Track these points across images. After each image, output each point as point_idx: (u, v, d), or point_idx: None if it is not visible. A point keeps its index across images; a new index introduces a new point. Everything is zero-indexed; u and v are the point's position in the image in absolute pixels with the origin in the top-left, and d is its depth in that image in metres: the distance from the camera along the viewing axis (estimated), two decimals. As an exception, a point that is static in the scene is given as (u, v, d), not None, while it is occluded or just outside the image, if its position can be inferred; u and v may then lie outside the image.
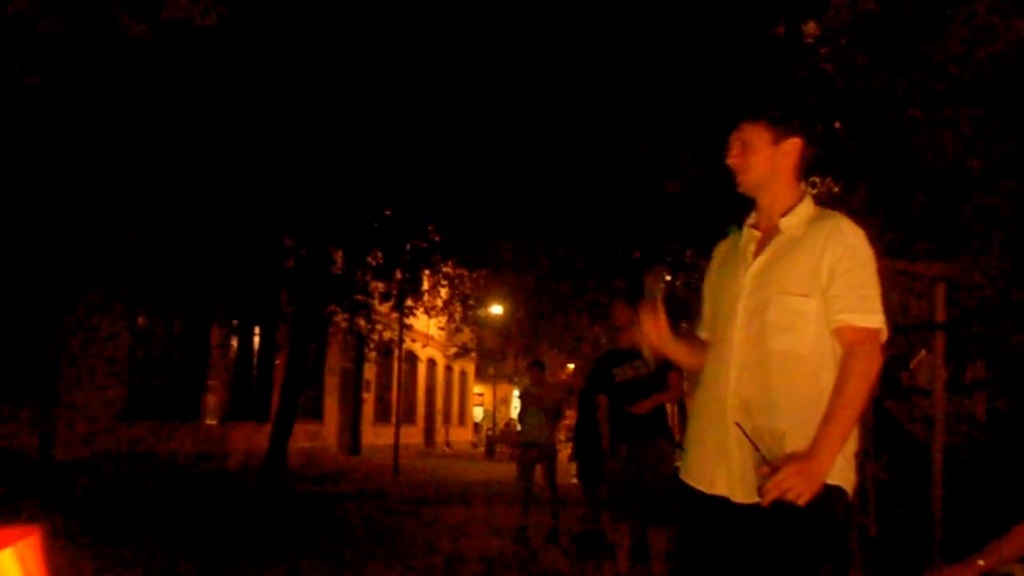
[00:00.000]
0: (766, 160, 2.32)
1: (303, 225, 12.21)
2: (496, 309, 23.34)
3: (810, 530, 2.08)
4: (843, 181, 9.04)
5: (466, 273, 17.77)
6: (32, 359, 10.97)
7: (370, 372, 22.50)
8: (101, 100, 8.11)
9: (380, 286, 14.60)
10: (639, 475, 5.79)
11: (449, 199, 11.40)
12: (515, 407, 31.31)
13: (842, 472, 2.15)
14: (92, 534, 7.00)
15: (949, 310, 4.68)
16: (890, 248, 7.81)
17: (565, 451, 10.99)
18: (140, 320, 13.20)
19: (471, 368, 36.26)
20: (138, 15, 5.99)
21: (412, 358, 27.19)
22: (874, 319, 2.16)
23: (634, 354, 6.08)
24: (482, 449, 30.84)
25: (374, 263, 13.69)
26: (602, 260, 13.98)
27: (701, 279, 2.61)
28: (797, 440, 2.08)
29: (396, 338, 19.49)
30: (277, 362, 16.17)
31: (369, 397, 22.79)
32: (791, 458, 2.03)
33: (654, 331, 2.37)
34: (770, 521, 2.08)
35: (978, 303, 7.09)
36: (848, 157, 8.53)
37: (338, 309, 14.31)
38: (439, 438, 30.80)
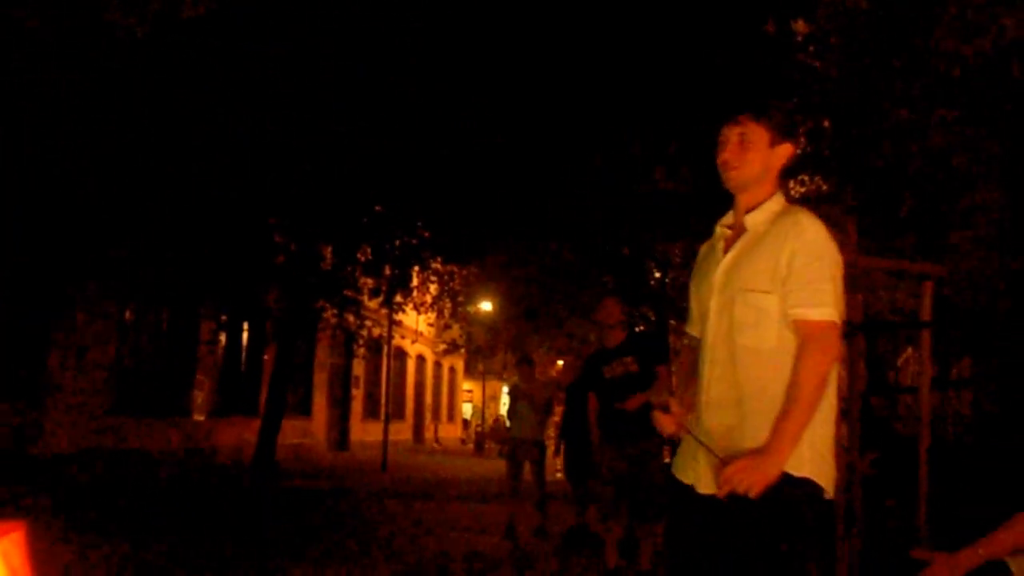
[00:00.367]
0: (762, 160, 2.33)
1: (292, 221, 12.18)
2: (485, 305, 23.33)
3: (778, 521, 2.11)
4: (831, 180, 9.07)
5: (455, 269, 17.76)
6: (19, 354, 10.90)
7: (359, 368, 22.46)
8: (93, 98, 8.07)
9: (369, 282, 14.58)
10: (628, 472, 5.81)
11: (439, 196, 11.40)
12: (504, 403, 31.31)
13: (813, 465, 2.17)
14: (78, 530, 6.97)
15: (935, 308, 4.71)
16: (878, 246, 7.85)
17: (554, 447, 11.01)
18: (128, 315, 13.13)
19: (460, 364, 36.24)
20: (127, 8, 5.96)
21: (401, 354, 27.16)
22: (828, 312, 2.17)
23: (623, 351, 6.10)
24: (471, 445, 30.84)
25: (363, 259, 13.67)
26: (592, 257, 13.99)
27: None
28: (764, 436, 2.12)
29: (385, 334, 19.47)
30: (265, 358, 16.13)
31: (358, 393, 22.75)
32: (747, 454, 2.08)
33: (669, 426, 2.38)
34: (740, 512, 2.12)
35: (965, 301, 7.14)
36: (836, 155, 8.56)
37: (327, 305, 14.28)
38: (428, 434, 30.79)
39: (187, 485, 11.87)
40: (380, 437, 19.05)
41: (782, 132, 2.33)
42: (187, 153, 9.06)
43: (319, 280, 13.45)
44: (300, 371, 17.58)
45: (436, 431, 31.83)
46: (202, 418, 14.56)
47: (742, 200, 2.37)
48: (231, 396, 15.64)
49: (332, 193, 10.87)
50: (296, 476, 13.93)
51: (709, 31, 8.84)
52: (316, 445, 19.38)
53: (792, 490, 2.12)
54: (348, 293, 14.07)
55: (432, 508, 10.91)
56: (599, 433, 6.23)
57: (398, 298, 15.75)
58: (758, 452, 2.08)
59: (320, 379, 19.85)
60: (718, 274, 2.32)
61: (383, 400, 21.43)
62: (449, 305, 19.78)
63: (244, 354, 16.68)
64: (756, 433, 2.15)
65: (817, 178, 9.51)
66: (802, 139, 9.54)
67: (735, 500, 2.10)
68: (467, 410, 40.24)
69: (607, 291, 11.49)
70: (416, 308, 17.81)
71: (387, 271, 14.32)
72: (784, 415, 2.10)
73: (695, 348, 2.47)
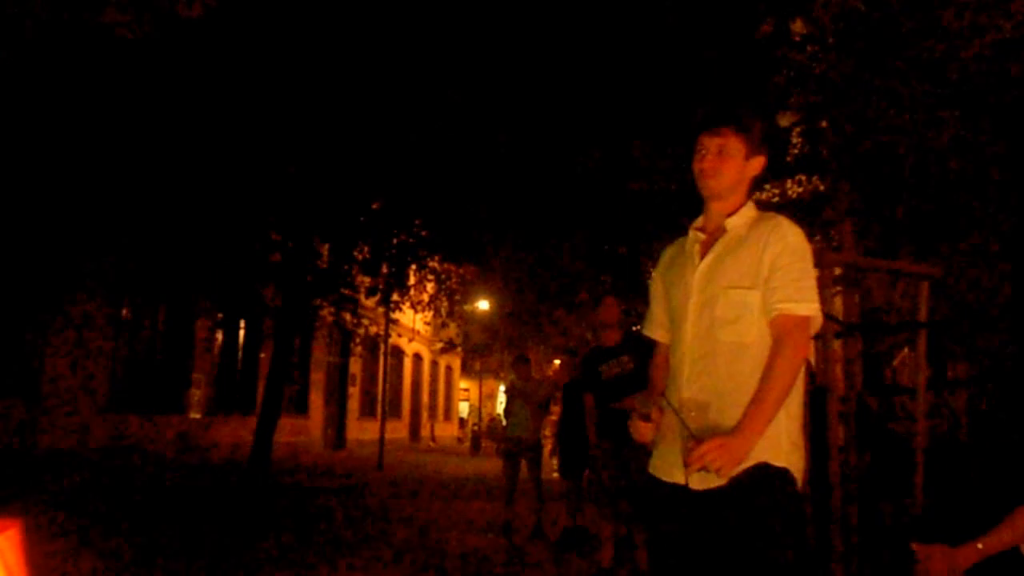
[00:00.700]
0: (737, 170, 2.41)
1: (289, 219, 12.17)
2: (482, 304, 23.34)
3: (756, 510, 2.20)
4: (828, 180, 9.07)
5: (453, 268, 17.75)
6: (15, 351, 10.88)
7: (356, 366, 22.45)
8: (90, 96, 8.06)
9: (366, 280, 14.56)
10: (624, 471, 5.82)
11: (436, 194, 11.39)
12: (501, 402, 31.33)
13: (787, 455, 2.27)
14: (74, 528, 6.97)
15: (932, 309, 4.72)
16: (874, 247, 7.86)
17: (550, 446, 11.02)
18: (125, 313, 13.12)
19: (457, 363, 36.25)
20: (124, 7, 5.94)
21: (398, 353, 27.15)
22: (811, 307, 2.29)
23: (620, 350, 6.11)
24: (467, 444, 30.84)
25: (360, 257, 13.66)
26: (589, 256, 13.98)
27: None
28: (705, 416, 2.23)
29: (382, 333, 19.45)
30: (262, 356, 16.12)
31: (355, 392, 22.75)
32: (717, 434, 2.16)
33: (645, 432, 2.42)
34: (719, 503, 2.22)
35: (961, 302, 7.15)
36: (833, 156, 8.56)
37: (324, 303, 14.26)
38: (424, 433, 30.79)
39: (183, 483, 11.86)
40: (376, 435, 19.04)
41: (758, 145, 2.42)
42: (184, 150, 9.06)
43: (316, 278, 13.44)
44: (297, 369, 17.55)
45: (432, 430, 31.83)
46: (199, 416, 14.55)
47: (715, 207, 2.46)
48: (228, 394, 15.63)
49: (329, 191, 10.87)
50: (292, 474, 13.93)
51: (707, 31, 8.84)
52: (312, 443, 19.38)
53: (773, 480, 2.23)
54: (345, 291, 14.06)
55: (428, 507, 10.92)
56: (595, 432, 6.24)
57: (395, 296, 15.73)
58: (729, 433, 2.15)
59: (317, 377, 19.84)
60: (697, 275, 2.41)
61: (380, 398, 21.43)
62: (446, 304, 19.76)
63: (241, 352, 16.67)
64: (729, 417, 2.23)
65: (814, 179, 9.51)
66: (800, 140, 9.56)
67: (722, 492, 2.19)
68: (464, 409, 40.25)
69: (606, 290, 11.49)
70: (413, 307, 17.79)
71: (384, 269, 14.30)
72: (758, 400, 2.18)
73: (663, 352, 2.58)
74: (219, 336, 15.74)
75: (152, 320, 14.04)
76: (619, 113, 9.34)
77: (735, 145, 2.39)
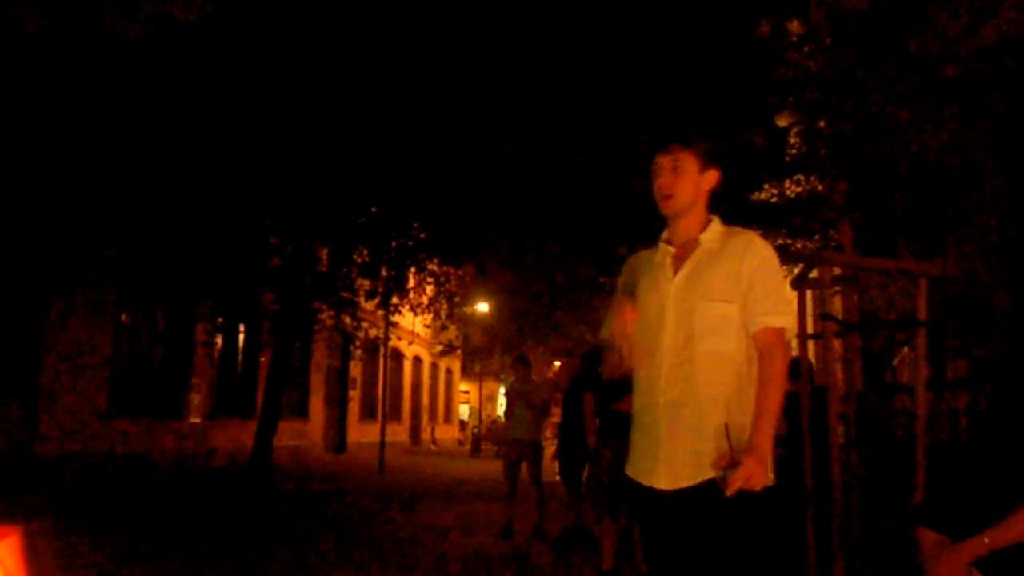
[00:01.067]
0: (693, 184, 2.56)
1: (288, 222, 12.16)
2: (482, 306, 23.32)
3: (744, 512, 2.33)
4: (826, 180, 9.08)
5: (452, 270, 17.74)
6: (14, 356, 10.87)
7: (356, 370, 22.44)
8: (88, 98, 8.05)
9: (366, 283, 14.55)
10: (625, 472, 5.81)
11: (435, 196, 11.37)
12: (501, 404, 31.30)
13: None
14: (74, 533, 6.96)
15: (931, 308, 4.72)
16: (873, 246, 7.86)
17: (551, 448, 11.01)
18: (124, 317, 13.10)
19: (457, 366, 36.23)
20: (122, 11, 5.94)
21: (398, 356, 27.14)
22: (787, 320, 2.48)
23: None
24: (468, 446, 30.81)
25: (359, 260, 13.64)
26: (588, 257, 13.97)
27: None
28: (736, 433, 2.33)
29: (382, 336, 19.44)
30: (262, 360, 16.10)
31: (355, 395, 22.73)
32: (744, 452, 2.28)
33: (624, 321, 2.57)
34: (710, 506, 2.34)
35: (960, 301, 7.15)
36: (831, 155, 8.56)
37: (323, 307, 14.26)
38: (425, 436, 30.77)
39: (183, 488, 11.85)
40: (377, 439, 19.03)
41: (709, 159, 2.58)
42: (183, 154, 9.05)
43: (315, 282, 13.44)
44: (297, 373, 17.55)
45: (433, 432, 31.81)
46: (198, 420, 14.53)
47: (680, 223, 2.60)
48: (227, 398, 15.61)
49: (328, 194, 10.85)
50: (293, 478, 13.92)
51: (707, 31, 8.84)
52: (313, 447, 19.36)
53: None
54: (344, 295, 14.05)
55: (429, 509, 10.91)
56: (595, 433, 6.23)
57: (394, 299, 15.73)
58: (751, 452, 2.28)
59: (317, 381, 19.82)
60: (673, 288, 2.53)
61: (380, 402, 21.41)
62: (446, 306, 19.75)
63: (240, 356, 16.65)
64: (718, 426, 2.35)
65: (813, 178, 9.52)
66: (798, 139, 9.56)
67: (711, 494, 2.31)
68: (464, 411, 40.23)
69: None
70: (412, 309, 17.78)
71: (383, 272, 14.30)
72: (765, 411, 2.35)
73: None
74: (219, 340, 15.71)
75: (151, 324, 14.02)
76: (620, 113, 9.34)
77: (688, 161, 2.55)
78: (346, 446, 21.64)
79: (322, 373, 20.07)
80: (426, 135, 9.67)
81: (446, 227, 12.66)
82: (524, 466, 8.60)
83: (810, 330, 4.93)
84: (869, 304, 6.91)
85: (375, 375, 23.30)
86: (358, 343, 18.07)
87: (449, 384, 36.50)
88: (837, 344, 4.89)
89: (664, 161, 2.57)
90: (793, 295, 4.70)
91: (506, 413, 9.09)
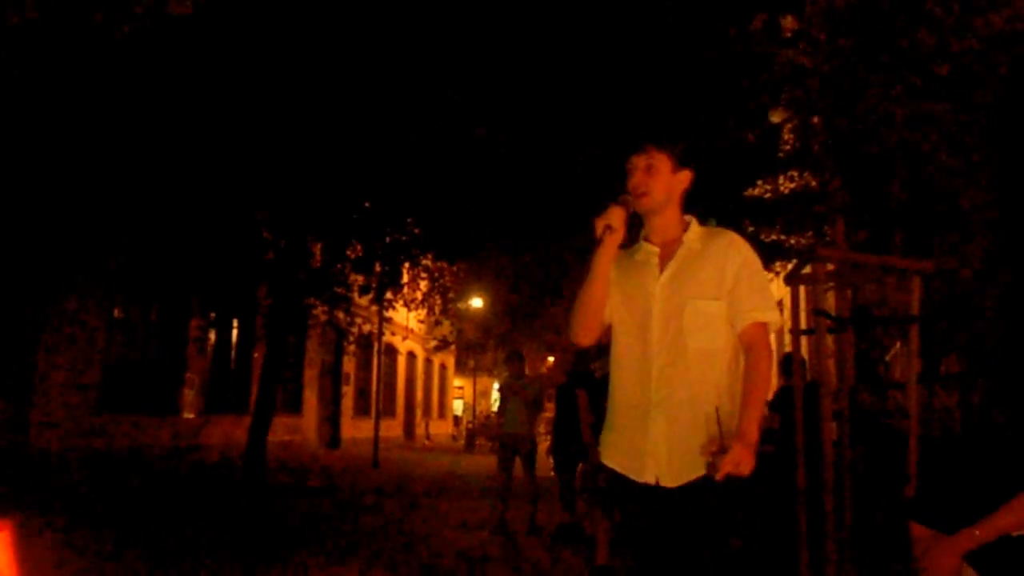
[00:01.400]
0: (666, 184, 2.64)
1: (282, 217, 12.13)
2: (476, 302, 23.33)
3: (730, 501, 2.42)
4: (820, 176, 9.10)
5: (446, 266, 17.73)
6: (6, 351, 10.83)
7: (349, 365, 22.41)
8: (81, 95, 8.01)
9: (359, 279, 14.53)
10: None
11: (429, 192, 11.36)
12: (495, 400, 31.33)
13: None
14: (66, 529, 6.95)
15: (924, 303, 4.73)
16: (866, 242, 7.88)
17: (545, 444, 11.03)
18: (117, 312, 13.06)
19: (451, 361, 36.23)
20: (114, 6, 5.91)
21: (392, 351, 27.12)
22: (772, 314, 2.57)
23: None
24: (462, 442, 30.84)
25: (353, 256, 13.63)
26: (585, 254, 13.97)
27: None
28: (725, 419, 2.40)
29: (376, 331, 19.43)
30: (255, 355, 16.07)
31: (349, 390, 22.71)
32: (734, 438, 2.35)
33: (613, 219, 2.62)
34: (698, 498, 2.43)
35: (953, 297, 7.17)
36: (825, 152, 8.58)
37: (317, 302, 14.23)
38: (419, 431, 30.77)
39: (177, 483, 11.83)
40: (371, 434, 19.02)
41: (681, 159, 2.65)
42: (175, 149, 9.02)
43: (309, 277, 13.41)
44: (290, 368, 17.51)
45: (427, 428, 31.81)
46: (192, 416, 14.50)
47: (657, 221, 2.69)
48: (221, 394, 15.58)
49: (322, 189, 10.83)
50: (287, 473, 13.91)
51: (705, 30, 8.84)
52: (307, 442, 19.34)
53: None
54: (338, 290, 14.03)
55: (423, 504, 10.92)
56: (590, 429, 6.24)
57: (388, 295, 15.71)
58: (739, 440, 2.34)
59: (310, 376, 19.80)
60: (659, 287, 2.61)
61: (374, 397, 21.40)
62: (439, 302, 19.76)
63: (234, 351, 16.61)
64: (709, 420, 2.40)
65: (806, 174, 9.54)
66: (791, 135, 9.57)
67: (702, 486, 2.40)
68: (458, 407, 40.24)
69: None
70: (406, 305, 17.78)
71: (377, 268, 14.28)
72: (752, 403, 2.43)
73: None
74: (212, 336, 15.67)
75: (145, 320, 13.98)
76: (618, 111, 9.34)
77: (661, 161, 2.63)
78: (340, 441, 21.63)
79: (316, 368, 20.04)
80: (422, 132, 9.66)
81: (440, 223, 12.65)
82: (518, 462, 8.61)
83: (803, 326, 4.94)
84: (862, 299, 6.93)
85: (369, 370, 23.28)
86: (352, 338, 18.04)
87: (443, 379, 36.50)
88: (830, 340, 4.90)
89: (638, 161, 2.65)
90: (786, 291, 4.71)
91: (500, 408, 9.10)
